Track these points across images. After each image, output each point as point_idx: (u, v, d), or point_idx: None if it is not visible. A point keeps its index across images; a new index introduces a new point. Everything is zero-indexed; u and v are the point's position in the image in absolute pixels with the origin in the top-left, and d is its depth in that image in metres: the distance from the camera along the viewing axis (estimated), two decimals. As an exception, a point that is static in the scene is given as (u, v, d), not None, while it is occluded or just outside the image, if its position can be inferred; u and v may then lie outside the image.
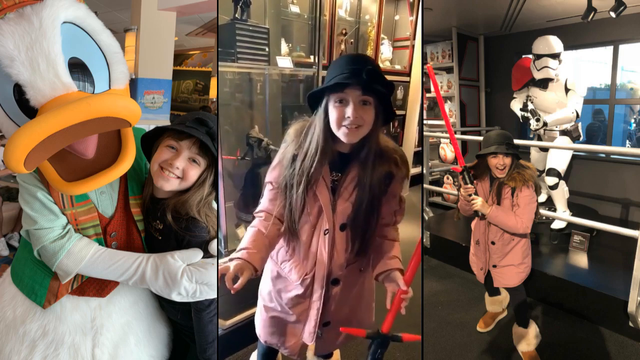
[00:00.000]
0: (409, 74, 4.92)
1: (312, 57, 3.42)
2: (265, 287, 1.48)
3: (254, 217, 1.36)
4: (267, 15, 3.13)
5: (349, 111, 1.17)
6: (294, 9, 3.50)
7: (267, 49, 2.88)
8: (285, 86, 3.26)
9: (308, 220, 1.30)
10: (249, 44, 2.76)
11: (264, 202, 1.36)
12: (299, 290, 1.37)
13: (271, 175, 1.35)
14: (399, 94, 4.94)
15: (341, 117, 1.18)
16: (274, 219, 1.31)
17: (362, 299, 1.46)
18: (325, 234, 1.30)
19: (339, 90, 1.18)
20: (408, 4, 4.92)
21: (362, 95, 1.17)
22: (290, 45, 3.51)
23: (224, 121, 2.75)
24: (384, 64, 4.72)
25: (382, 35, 4.59)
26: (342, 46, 4.12)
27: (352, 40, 4.31)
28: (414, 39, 4.83)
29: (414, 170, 5.13)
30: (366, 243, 1.33)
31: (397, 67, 4.94)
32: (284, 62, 3.07)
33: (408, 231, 2.98)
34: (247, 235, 1.29)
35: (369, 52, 4.51)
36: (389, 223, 1.38)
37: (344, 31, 4.13)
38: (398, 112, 4.95)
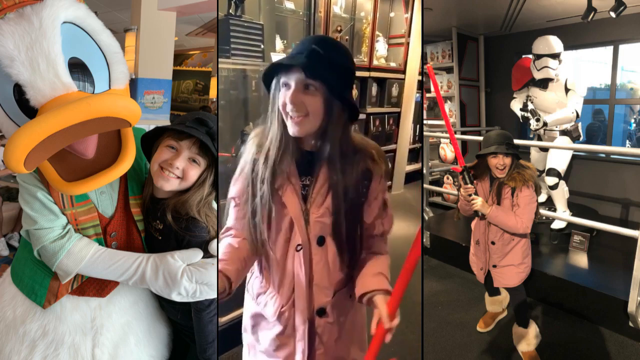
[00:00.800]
0: (404, 72, 4.92)
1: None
2: (248, 326, 1.28)
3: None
4: (261, 11, 3.12)
5: (288, 94, 1.02)
6: (289, 5, 3.49)
7: (261, 46, 2.86)
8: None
9: (279, 236, 1.10)
10: (243, 40, 2.74)
11: (230, 221, 1.18)
12: (278, 329, 1.14)
13: (234, 189, 1.17)
14: (394, 91, 4.94)
15: (284, 104, 1.04)
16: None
17: (355, 334, 1.22)
18: (298, 251, 1.09)
19: (283, 72, 1.04)
20: (403, 1, 4.92)
21: (305, 79, 1.01)
22: (285, 41, 3.49)
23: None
24: (379, 61, 4.72)
25: (377, 33, 4.58)
26: (337, 43, 4.12)
27: (347, 37, 4.29)
28: (409, 36, 4.83)
29: (411, 167, 5.13)
30: (356, 257, 1.14)
31: (393, 64, 4.93)
32: (279, 59, 3.05)
33: (407, 231, 2.98)
34: (219, 249, 1.16)
35: (364, 49, 4.51)
36: (374, 234, 1.17)
37: (339, 28, 4.12)
38: (393, 110, 4.95)
